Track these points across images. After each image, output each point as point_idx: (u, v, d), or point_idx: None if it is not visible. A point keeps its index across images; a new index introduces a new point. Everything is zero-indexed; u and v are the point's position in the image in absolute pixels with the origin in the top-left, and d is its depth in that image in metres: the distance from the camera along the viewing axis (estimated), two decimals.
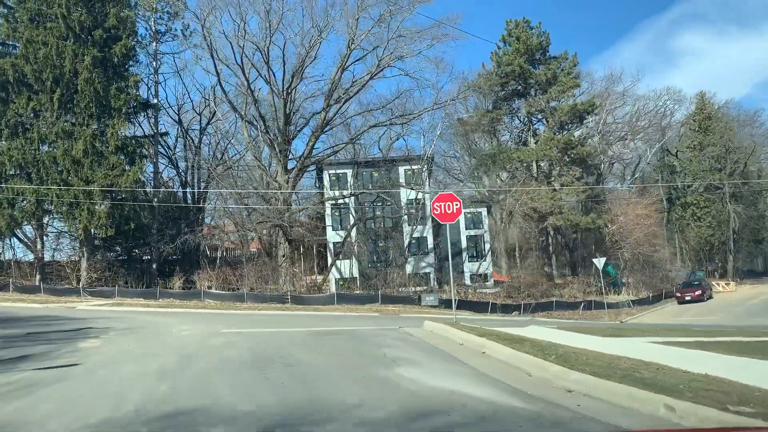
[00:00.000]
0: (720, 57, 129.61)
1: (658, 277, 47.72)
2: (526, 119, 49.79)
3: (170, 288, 39.97)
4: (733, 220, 61.19)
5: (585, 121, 47.73)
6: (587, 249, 49.04)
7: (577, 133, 47.33)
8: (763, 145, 67.67)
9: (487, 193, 50.65)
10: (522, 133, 49.85)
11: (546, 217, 42.80)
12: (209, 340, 11.98)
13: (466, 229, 52.93)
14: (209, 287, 39.64)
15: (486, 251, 51.94)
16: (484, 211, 52.21)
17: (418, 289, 43.10)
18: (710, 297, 43.95)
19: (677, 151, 73.20)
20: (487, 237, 52.47)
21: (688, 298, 42.64)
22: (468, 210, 51.67)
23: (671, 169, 72.32)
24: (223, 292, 38.51)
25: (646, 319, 34.84)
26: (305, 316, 24.61)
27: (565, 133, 47.00)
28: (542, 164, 48.18)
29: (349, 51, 40.37)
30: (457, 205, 15.26)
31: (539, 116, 49.68)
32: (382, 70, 37.95)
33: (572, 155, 44.65)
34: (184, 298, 37.41)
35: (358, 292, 41.51)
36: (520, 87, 49.35)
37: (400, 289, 41.63)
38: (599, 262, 33.98)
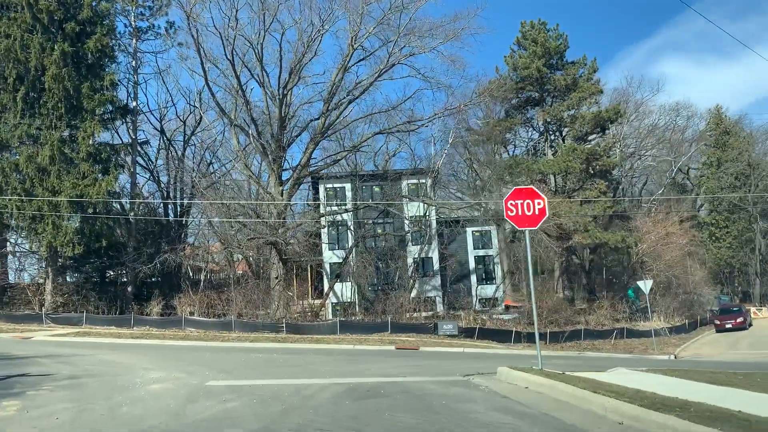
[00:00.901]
0: (699, 83, 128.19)
1: (689, 302, 43.70)
2: (543, 129, 45.97)
3: (147, 314, 35.44)
4: (759, 240, 57.50)
5: (607, 131, 43.93)
6: (611, 271, 45.02)
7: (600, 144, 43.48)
8: None
9: (496, 209, 46.53)
10: (538, 143, 46.00)
11: (570, 235, 38.72)
12: (190, 408, 7.59)
13: (474, 248, 48.58)
14: (191, 313, 35.13)
15: (495, 273, 47.67)
16: (493, 229, 48.00)
17: (424, 314, 38.81)
18: (750, 324, 39.99)
19: (688, 168, 69.72)
20: (497, 258, 48.22)
21: (729, 326, 38.76)
22: (476, 228, 47.51)
23: (681, 188, 68.89)
24: (208, 319, 34.02)
25: (697, 350, 30.71)
26: (311, 352, 20.13)
27: (589, 143, 43.18)
28: (559, 178, 44.25)
29: (352, 49, 36.42)
30: (540, 204, 11.12)
31: (557, 125, 45.89)
32: (391, 67, 34.04)
33: (597, 167, 40.80)
34: (162, 326, 32.97)
35: (358, 318, 37.13)
36: (536, 94, 45.63)
37: (407, 315, 37.25)
38: (645, 285, 29.84)
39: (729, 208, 59.67)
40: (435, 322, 32.47)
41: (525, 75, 42.90)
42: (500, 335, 33.23)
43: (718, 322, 39.75)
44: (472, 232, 47.47)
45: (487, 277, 47.95)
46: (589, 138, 44.98)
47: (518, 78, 43.90)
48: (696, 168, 68.98)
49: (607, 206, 39.88)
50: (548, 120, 44.90)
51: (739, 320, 38.96)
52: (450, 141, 40.47)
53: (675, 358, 26.42)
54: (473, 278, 47.31)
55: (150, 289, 38.82)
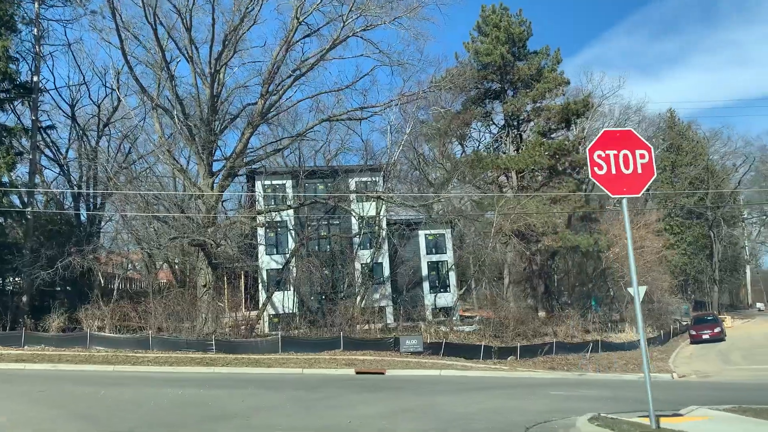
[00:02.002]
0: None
1: (657, 312, 40.93)
2: (504, 123, 42.36)
3: (45, 330, 29.44)
4: (716, 246, 55.96)
5: (572, 126, 40.77)
6: (579, 278, 41.81)
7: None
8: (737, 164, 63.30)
9: (453, 209, 42.60)
10: (499, 139, 42.34)
11: (539, 238, 35.07)
12: None
13: (428, 253, 44.28)
14: (100, 328, 29.38)
15: (450, 281, 43.61)
16: (447, 232, 43.96)
17: (371, 326, 34.27)
18: (725, 335, 37.48)
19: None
20: (451, 263, 44.14)
21: (705, 336, 36.21)
22: (430, 231, 43.32)
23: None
24: (120, 335, 28.46)
25: (688, 364, 27.45)
26: (250, 384, 15.10)
27: (552, 139, 39.82)
28: (519, 175, 40.68)
29: (297, 23, 31.59)
30: (644, 157, 6.78)
31: (519, 120, 42.39)
32: (344, 40, 29.51)
33: (565, 163, 37.46)
34: (62, 344, 27.44)
35: (302, 331, 32.18)
36: (497, 85, 42.04)
37: (358, 327, 32.59)
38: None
39: (683, 213, 57.96)
40: (396, 336, 28.01)
41: (488, 62, 39.20)
42: (468, 351, 29.13)
43: (694, 333, 37.15)
44: (426, 235, 43.29)
45: (441, 285, 43.77)
46: (553, 135, 41.74)
47: (480, 65, 40.17)
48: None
49: (577, 206, 36.56)
50: (510, 113, 41.34)
51: (716, 330, 36.51)
52: (408, 131, 36.17)
53: (678, 377, 22.88)
54: (426, 286, 43.03)
55: (50, 300, 32.55)
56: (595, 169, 7.05)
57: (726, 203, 56.59)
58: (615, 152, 7.04)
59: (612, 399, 12.37)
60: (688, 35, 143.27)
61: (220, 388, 14.07)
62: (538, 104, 40.49)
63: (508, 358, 29.91)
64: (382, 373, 20.14)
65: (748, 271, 67.13)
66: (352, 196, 37.87)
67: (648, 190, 44.38)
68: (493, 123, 44.12)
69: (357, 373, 20.09)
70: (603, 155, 7.04)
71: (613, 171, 7.02)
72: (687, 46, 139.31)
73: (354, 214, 35.04)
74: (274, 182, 39.04)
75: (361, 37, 30.09)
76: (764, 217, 68.44)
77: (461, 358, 27.44)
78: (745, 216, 65.21)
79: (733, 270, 65.51)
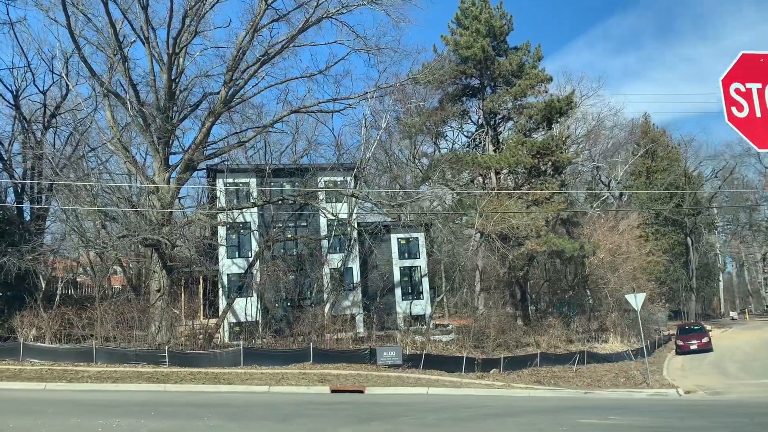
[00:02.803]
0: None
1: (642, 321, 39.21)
2: (483, 121, 40.26)
3: None
4: (693, 255, 54.87)
5: (554, 126, 38.89)
6: (558, 284, 39.91)
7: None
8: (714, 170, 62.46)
9: (429, 211, 40.26)
10: (479, 137, 40.19)
11: (522, 241, 32.96)
12: None
13: (400, 258, 41.75)
14: (37, 338, 26.07)
15: (423, 287, 41.22)
16: (421, 236, 41.60)
17: (341, 336, 31.68)
18: (712, 345, 35.96)
19: (610, 180, 66.95)
20: (425, 268, 41.76)
21: (693, 347, 34.64)
22: (402, 235, 40.88)
23: (601, 200, 66.03)
24: (59, 346, 25.25)
25: (685, 377, 25.61)
26: (207, 409, 12.31)
27: (537, 136, 37.91)
28: (501, 175, 38.67)
29: (265, 5, 28.87)
30: None
31: (496, 117, 40.38)
32: (317, 21, 26.89)
33: (549, 163, 35.50)
34: None
35: (266, 341, 29.38)
36: (476, 81, 39.99)
37: (328, 337, 29.95)
38: (635, 299, 24.36)
39: (660, 221, 56.78)
40: (371, 347, 25.40)
41: (467, 55, 37.06)
42: (449, 363, 26.82)
43: (681, 343, 35.53)
44: (398, 239, 40.80)
45: (414, 292, 41.31)
46: (533, 134, 39.84)
47: (459, 59, 38.02)
48: (618, 180, 66.21)
49: (561, 208, 34.62)
50: (489, 110, 39.28)
51: (704, 341, 34.95)
52: (384, 126, 33.69)
53: (683, 393, 20.86)
54: (398, 293, 40.50)
55: None
56: (733, 109, 4.70)
57: (704, 209, 55.61)
58: (758, 86, 4.71)
59: (636, 427, 10.10)
60: (647, 50, 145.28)
61: (169, 417, 11.34)
62: (519, 102, 38.52)
63: (491, 371, 27.68)
64: (361, 392, 17.60)
65: (721, 279, 66.58)
66: (322, 195, 35.26)
67: (622, 195, 42.41)
68: (471, 121, 42.08)
69: (332, 391, 17.51)
70: (743, 89, 4.71)
71: (758, 114, 4.68)
72: (646, 60, 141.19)
73: (324, 212, 32.39)
74: (237, 180, 36.17)
75: (335, 19, 27.60)
76: (733, 225, 68.29)
77: (443, 372, 25.16)
78: (720, 224, 64.62)
79: (708, 278, 64.84)
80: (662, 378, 25.95)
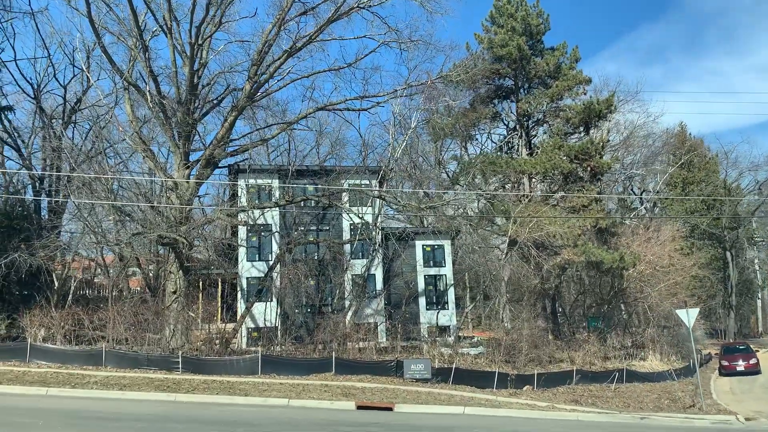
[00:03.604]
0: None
1: (679, 338, 37.09)
2: (516, 124, 38.46)
3: None
4: (732, 270, 52.28)
5: (591, 130, 36.97)
6: (593, 297, 37.88)
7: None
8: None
9: (458, 218, 38.60)
10: (511, 140, 38.37)
11: (558, 250, 31.08)
12: None
13: (425, 266, 40.04)
14: (46, 338, 24.84)
15: (448, 297, 39.44)
16: (447, 244, 39.85)
17: (363, 345, 30.04)
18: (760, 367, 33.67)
19: (642, 190, 64.43)
20: (451, 277, 39.97)
21: (740, 368, 32.49)
22: (428, 242, 39.23)
23: (634, 212, 63.63)
24: (68, 348, 23.98)
25: (739, 402, 23.46)
26: (226, 427, 10.72)
27: (572, 140, 36.03)
28: (534, 181, 36.84)
29: None
30: None
31: (530, 120, 38.59)
32: (348, 11, 25.36)
33: (587, 168, 33.58)
34: None
35: (286, 349, 27.86)
36: (510, 82, 38.27)
37: (349, 345, 28.34)
38: (687, 314, 22.39)
39: (697, 234, 54.31)
40: (398, 359, 23.70)
41: (502, 54, 35.38)
42: (479, 378, 25.06)
43: (726, 364, 33.33)
44: (423, 246, 39.17)
45: (438, 301, 39.58)
46: (569, 138, 37.95)
47: (493, 58, 36.35)
48: (656, 189, 63.71)
49: (599, 216, 32.66)
50: (524, 113, 37.50)
51: (752, 362, 32.77)
52: (413, 125, 32.11)
53: (744, 420, 18.85)
54: (422, 302, 38.81)
55: None
56: None
57: (744, 223, 53.09)
58: None
59: None
60: (673, 63, 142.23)
61: None
62: (555, 104, 36.71)
63: (524, 388, 25.87)
64: (390, 409, 15.94)
65: (760, 296, 63.76)
66: (346, 197, 33.78)
67: (655, 206, 40.17)
68: (503, 123, 40.27)
69: (358, 407, 15.88)
70: None
71: None
72: (671, 72, 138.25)
73: (350, 214, 30.88)
74: (260, 181, 34.87)
75: (367, 10, 26.07)
76: None
77: (474, 388, 23.40)
78: (759, 239, 61.85)
79: (746, 295, 62.05)
80: (714, 402, 23.88)
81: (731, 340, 46.29)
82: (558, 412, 17.90)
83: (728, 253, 55.10)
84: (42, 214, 36.31)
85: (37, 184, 36.82)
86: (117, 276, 33.73)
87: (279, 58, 28.34)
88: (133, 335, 25.38)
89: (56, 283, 31.98)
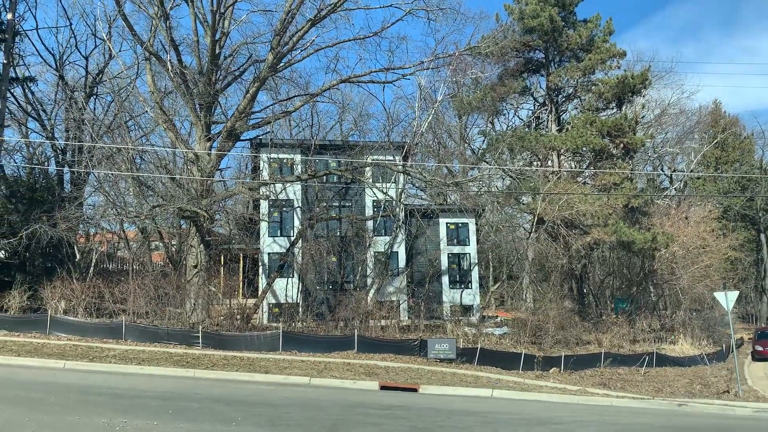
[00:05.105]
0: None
1: (710, 322, 35.96)
2: (546, 98, 37.23)
3: (4, 309, 24.83)
4: (767, 253, 50.67)
5: (624, 106, 35.60)
6: (622, 278, 36.85)
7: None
8: None
9: (479, 194, 37.57)
10: (541, 115, 37.18)
11: (588, 230, 30.06)
12: None
13: (449, 244, 39.20)
14: (67, 311, 24.67)
15: (472, 276, 38.66)
16: (471, 222, 38.95)
17: (385, 323, 29.44)
18: None
19: (673, 169, 62.57)
20: (474, 256, 39.14)
21: None
22: (452, 220, 38.33)
23: (664, 191, 61.85)
24: (88, 321, 23.72)
25: None
26: (244, 407, 10.24)
27: (604, 116, 34.70)
28: (563, 157, 35.68)
29: None
30: None
31: (561, 95, 37.31)
32: None
33: (620, 145, 32.34)
34: (19, 327, 23.16)
35: (306, 326, 27.37)
36: (540, 55, 36.97)
37: (372, 323, 27.74)
38: (726, 298, 21.44)
39: (729, 215, 52.64)
40: (422, 338, 23.09)
41: (533, 26, 34.11)
42: (504, 360, 24.38)
43: (761, 349, 32.29)
44: (447, 224, 38.29)
45: (462, 280, 38.78)
46: (601, 114, 36.63)
47: (523, 30, 35.07)
48: (690, 168, 61.72)
49: (632, 194, 31.51)
50: (554, 87, 36.24)
51: None
52: (440, 99, 31.12)
53: None
54: (445, 280, 38.02)
55: (11, 274, 27.81)
56: None
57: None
58: None
59: None
60: (706, 40, 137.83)
61: (189, 418, 9.26)
62: (587, 78, 35.35)
63: (551, 370, 25.13)
64: (415, 390, 15.33)
65: None
66: (369, 172, 33.01)
67: (686, 185, 38.67)
68: (533, 98, 38.97)
69: (382, 387, 15.29)
70: None
71: None
72: (705, 51, 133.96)
73: (373, 189, 30.14)
74: (282, 155, 34.23)
75: None
76: None
77: (500, 369, 22.78)
78: None
79: None
80: (750, 388, 22.96)
81: (763, 325, 44.98)
82: (590, 396, 17.15)
83: (762, 236, 53.41)
84: (64, 186, 36.16)
85: (60, 156, 36.61)
86: (139, 249, 33.43)
87: (302, 28, 27.53)
88: (153, 309, 25.14)
89: (78, 256, 31.83)
